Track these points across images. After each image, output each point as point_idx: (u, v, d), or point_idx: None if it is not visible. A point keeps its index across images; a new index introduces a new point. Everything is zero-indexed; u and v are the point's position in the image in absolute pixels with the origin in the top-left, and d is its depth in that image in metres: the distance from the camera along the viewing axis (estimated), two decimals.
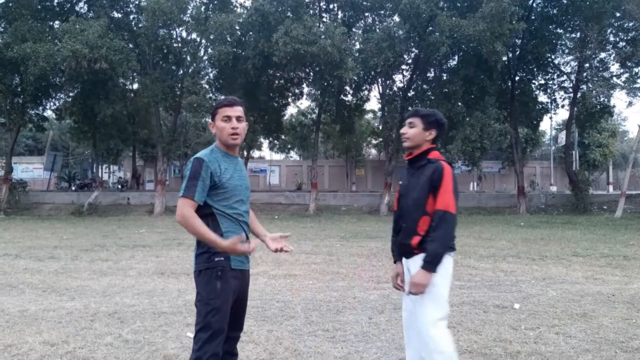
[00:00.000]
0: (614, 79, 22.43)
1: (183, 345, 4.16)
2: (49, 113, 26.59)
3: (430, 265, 2.76)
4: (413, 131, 2.94)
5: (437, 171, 2.80)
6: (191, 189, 2.49)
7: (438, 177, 2.79)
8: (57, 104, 24.90)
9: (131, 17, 23.37)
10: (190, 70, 22.10)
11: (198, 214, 2.50)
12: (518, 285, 6.61)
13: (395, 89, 24.06)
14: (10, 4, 20.57)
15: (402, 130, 3.00)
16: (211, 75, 24.13)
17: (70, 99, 24.00)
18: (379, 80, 23.40)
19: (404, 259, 3.01)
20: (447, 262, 2.84)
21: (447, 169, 2.82)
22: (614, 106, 24.37)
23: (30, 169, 35.67)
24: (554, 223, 17.09)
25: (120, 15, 23.13)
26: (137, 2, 22.97)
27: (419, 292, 2.78)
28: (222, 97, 24.30)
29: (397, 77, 24.04)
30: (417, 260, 2.83)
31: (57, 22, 22.09)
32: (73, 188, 30.94)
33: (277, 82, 24.32)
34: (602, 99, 22.34)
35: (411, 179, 2.94)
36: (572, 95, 23.41)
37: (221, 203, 2.56)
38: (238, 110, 2.65)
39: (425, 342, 2.81)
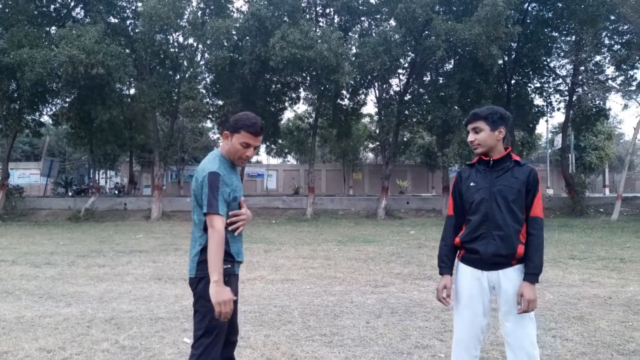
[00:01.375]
0: (609, 81, 22.51)
1: (180, 351, 4.16)
2: (45, 119, 26.55)
3: (537, 277, 2.60)
4: (482, 136, 2.72)
5: (532, 175, 2.65)
6: (216, 204, 2.48)
7: (534, 182, 2.65)
8: (54, 110, 24.84)
9: (128, 22, 23.40)
10: (187, 75, 22.10)
11: (205, 226, 2.54)
12: None
13: (391, 92, 24.10)
14: (7, 10, 20.54)
15: (469, 138, 2.77)
16: (208, 80, 24.15)
17: (67, 105, 23.95)
18: (376, 84, 23.45)
19: (482, 272, 2.69)
20: None
21: (538, 173, 2.70)
22: (609, 109, 24.42)
23: (27, 175, 35.56)
24: (550, 226, 17.12)
25: (116, 21, 23.15)
26: (133, 8, 22.98)
27: (533, 308, 2.57)
28: (220, 102, 24.47)
29: (394, 81, 24.11)
30: (514, 272, 2.64)
31: (53, 27, 22.05)
32: (70, 194, 30.85)
33: (274, 86, 24.35)
34: (597, 102, 22.41)
35: (496, 182, 2.68)
36: (567, 98, 23.49)
37: (227, 217, 2.59)
38: (259, 141, 2.68)
39: None
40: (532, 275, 2.59)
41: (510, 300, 2.63)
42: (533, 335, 2.64)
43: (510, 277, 2.63)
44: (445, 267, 2.81)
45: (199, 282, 2.52)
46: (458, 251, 2.84)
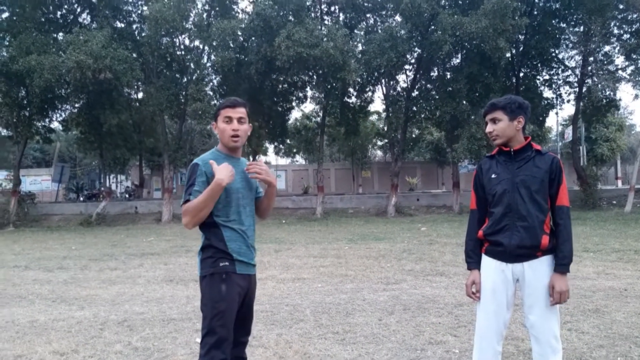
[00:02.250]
0: (619, 72, 22.22)
1: (192, 351, 4.15)
2: (55, 125, 26.77)
3: (568, 267, 2.56)
4: (500, 126, 2.66)
5: (554, 163, 2.60)
6: (189, 195, 2.50)
7: (558, 171, 2.60)
8: (63, 115, 25.04)
9: (134, 26, 23.52)
10: (194, 78, 22.16)
11: (201, 225, 2.54)
12: None
13: (399, 89, 23.99)
14: (15, 18, 20.75)
15: (488, 129, 2.72)
16: (215, 81, 24.19)
17: (76, 110, 24.13)
18: (383, 81, 23.34)
19: (507, 264, 2.63)
20: None
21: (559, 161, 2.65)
22: (620, 99, 24.19)
23: (38, 181, 35.89)
24: None
25: (123, 25, 23.27)
26: (139, 12, 23.11)
27: (565, 300, 2.54)
28: None
29: (401, 78, 23.99)
30: (542, 264, 2.59)
31: (60, 34, 22.22)
32: (81, 199, 31.10)
33: (280, 86, 24.33)
34: (607, 93, 22.13)
35: (518, 172, 2.63)
36: (577, 89, 23.22)
37: (222, 212, 2.54)
38: (240, 112, 2.61)
39: (548, 358, 2.58)
40: (562, 265, 2.56)
41: (535, 292, 2.59)
42: (557, 329, 2.60)
43: (535, 269, 2.59)
44: (473, 262, 2.78)
45: (202, 280, 2.55)
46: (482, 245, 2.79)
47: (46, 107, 22.66)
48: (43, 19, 21.91)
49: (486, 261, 2.74)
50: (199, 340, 4.36)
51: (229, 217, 2.55)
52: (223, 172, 2.41)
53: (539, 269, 2.59)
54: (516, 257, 2.61)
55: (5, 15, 21.36)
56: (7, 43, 20.93)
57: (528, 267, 2.60)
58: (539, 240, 2.56)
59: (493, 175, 2.71)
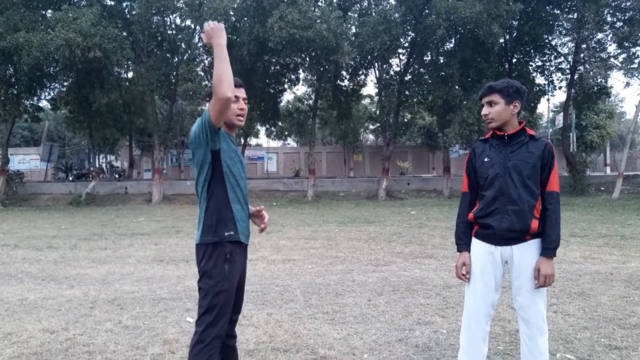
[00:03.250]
0: (612, 59, 22.30)
1: (183, 330, 4.18)
2: (44, 103, 26.41)
3: (554, 252, 2.59)
4: (496, 109, 2.65)
5: (547, 149, 2.62)
6: None
7: (550, 156, 2.62)
8: (52, 94, 24.68)
9: (124, 4, 23.07)
10: (185, 58, 21.90)
11: (211, 193, 2.50)
12: None
13: (392, 73, 23.91)
14: None
15: (483, 112, 2.71)
16: (206, 62, 23.90)
17: (65, 89, 23.80)
18: (376, 64, 23.23)
19: (496, 247, 2.67)
20: None
21: (552, 147, 2.66)
22: (611, 87, 24.24)
23: (27, 160, 35.61)
24: None
25: (113, 3, 22.83)
26: None
27: (550, 283, 2.58)
28: None
29: (394, 61, 23.89)
30: (530, 247, 2.62)
31: (49, 10, 21.77)
32: (70, 178, 30.87)
33: (272, 68, 24.12)
34: (599, 80, 22.21)
35: (510, 156, 2.65)
36: (569, 76, 23.29)
37: (230, 182, 2.53)
38: (243, 92, 2.62)
39: (536, 338, 2.62)
40: (549, 250, 2.59)
41: (523, 275, 2.63)
42: (544, 310, 2.65)
43: (524, 251, 2.62)
44: (463, 244, 2.81)
45: (204, 254, 2.48)
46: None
47: (34, 85, 22.30)
48: None
49: (475, 244, 2.77)
50: (190, 319, 4.40)
51: (237, 188, 2.56)
52: (216, 33, 2.51)
53: (528, 252, 2.62)
54: (506, 240, 2.64)
55: None
56: None
57: (517, 250, 2.63)
58: (528, 224, 2.59)
59: (486, 159, 2.72)
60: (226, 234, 2.48)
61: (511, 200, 2.60)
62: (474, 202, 2.80)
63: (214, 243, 2.46)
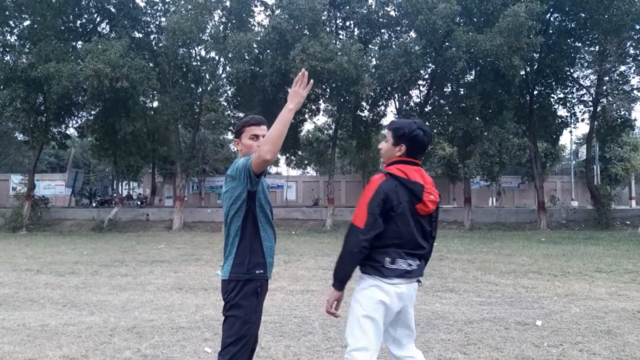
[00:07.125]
0: (635, 91, 22.10)
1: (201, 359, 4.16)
2: (71, 131, 27.15)
3: (333, 280, 2.61)
4: (384, 146, 2.69)
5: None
6: None
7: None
8: (79, 122, 25.38)
9: (152, 37, 23.90)
10: (208, 88, 22.42)
11: (244, 230, 2.57)
12: (540, 302, 6.48)
13: (412, 104, 24.06)
14: (35, 26, 21.17)
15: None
16: (229, 92, 24.44)
17: (92, 117, 24.46)
18: (396, 95, 23.44)
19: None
20: (369, 288, 2.56)
21: (373, 179, 2.52)
22: (635, 120, 23.93)
23: (52, 186, 36.32)
24: (575, 239, 16.76)
25: (141, 35, 23.67)
26: (157, 22, 23.50)
27: (326, 309, 2.63)
28: (241, 114, 24.69)
29: (414, 92, 24.09)
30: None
31: (79, 42, 22.65)
32: (94, 204, 31.39)
33: None
34: (622, 113, 21.98)
35: None
36: (592, 109, 23.10)
37: (261, 221, 2.63)
38: (264, 130, 2.73)
39: None
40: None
41: None
42: (347, 342, 2.58)
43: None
44: None
45: (234, 288, 2.53)
46: None
47: (63, 114, 23.01)
48: (63, 28, 22.32)
49: None
50: (208, 349, 4.39)
51: (263, 224, 2.64)
52: (294, 100, 2.48)
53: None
54: None
55: (26, 23, 21.81)
56: (27, 50, 21.36)
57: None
58: None
59: None
60: (257, 272, 2.56)
61: None
62: None
63: (246, 280, 2.54)
